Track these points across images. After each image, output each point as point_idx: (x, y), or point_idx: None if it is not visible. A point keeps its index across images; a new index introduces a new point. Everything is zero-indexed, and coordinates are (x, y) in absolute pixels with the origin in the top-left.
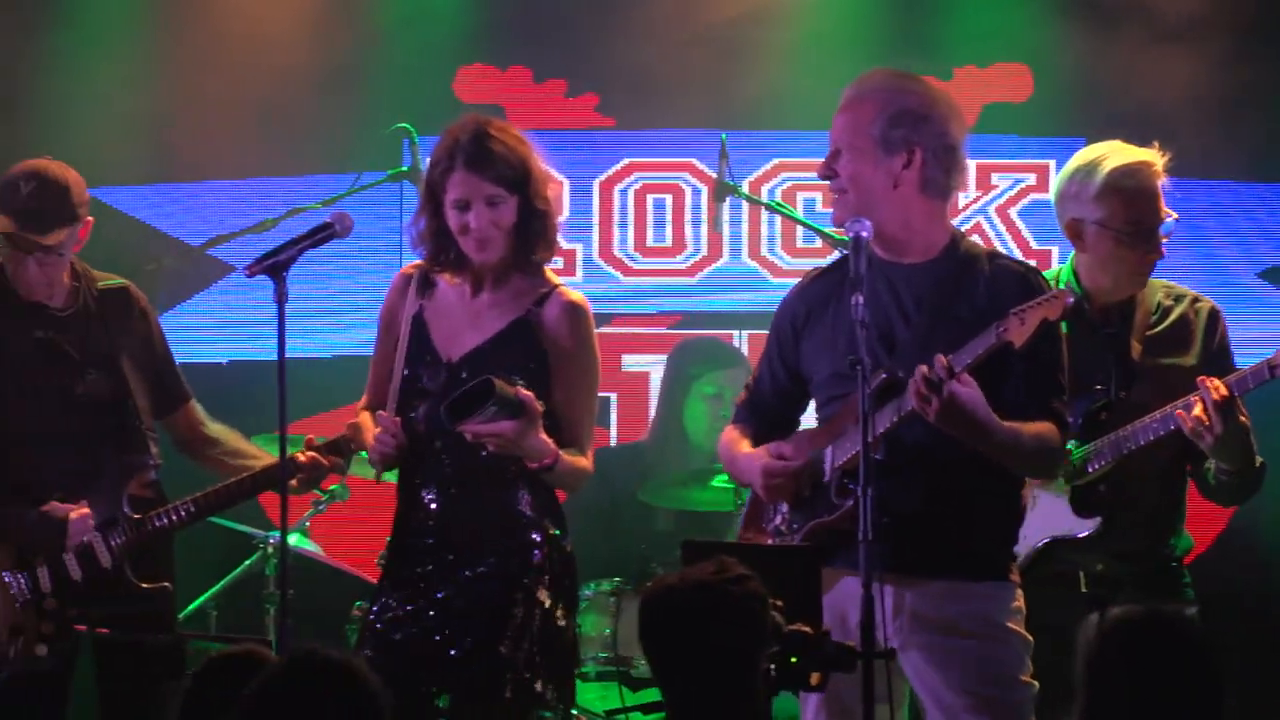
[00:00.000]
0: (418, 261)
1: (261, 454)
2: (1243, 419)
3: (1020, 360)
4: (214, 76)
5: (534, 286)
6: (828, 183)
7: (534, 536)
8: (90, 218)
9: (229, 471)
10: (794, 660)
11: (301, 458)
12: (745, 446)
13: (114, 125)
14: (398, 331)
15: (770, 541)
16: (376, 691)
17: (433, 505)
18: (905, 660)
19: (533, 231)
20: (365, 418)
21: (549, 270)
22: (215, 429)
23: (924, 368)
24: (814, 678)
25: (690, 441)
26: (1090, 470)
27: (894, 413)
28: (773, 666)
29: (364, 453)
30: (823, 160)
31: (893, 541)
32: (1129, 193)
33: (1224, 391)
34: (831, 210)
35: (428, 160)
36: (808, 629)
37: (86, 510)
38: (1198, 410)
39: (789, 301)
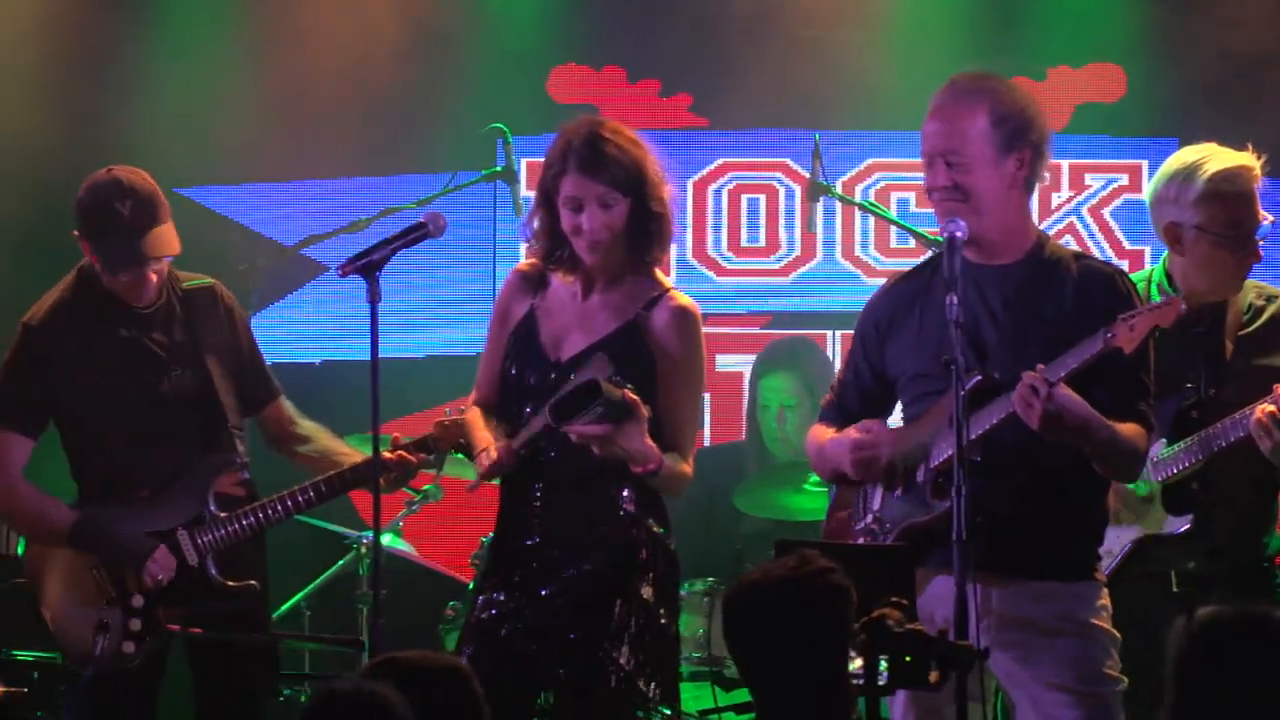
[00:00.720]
0: (533, 259)
1: (352, 451)
2: None
3: (1112, 363)
4: (308, 77)
5: (645, 289)
6: (936, 192)
7: (637, 534)
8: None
9: (320, 469)
10: (909, 659)
11: (390, 456)
12: (829, 433)
13: (207, 126)
14: (509, 328)
15: (860, 542)
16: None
17: (538, 503)
18: (994, 659)
19: (647, 234)
20: (474, 415)
21: (660, 273)
22: (306, 426)
23: (1031, 375)
24: (933, 675)
25: (763, 440)
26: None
27: (993, 416)
28: (887, 664)
29: (458, 453)
30: (931, 169)
31: (984, 540)
32: (1229, 197)
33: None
34: (933, 211)
35: (542, 160)
36: (923, 628)
37: (171, 556)
38: (1258, 413)
39: (873, 304)
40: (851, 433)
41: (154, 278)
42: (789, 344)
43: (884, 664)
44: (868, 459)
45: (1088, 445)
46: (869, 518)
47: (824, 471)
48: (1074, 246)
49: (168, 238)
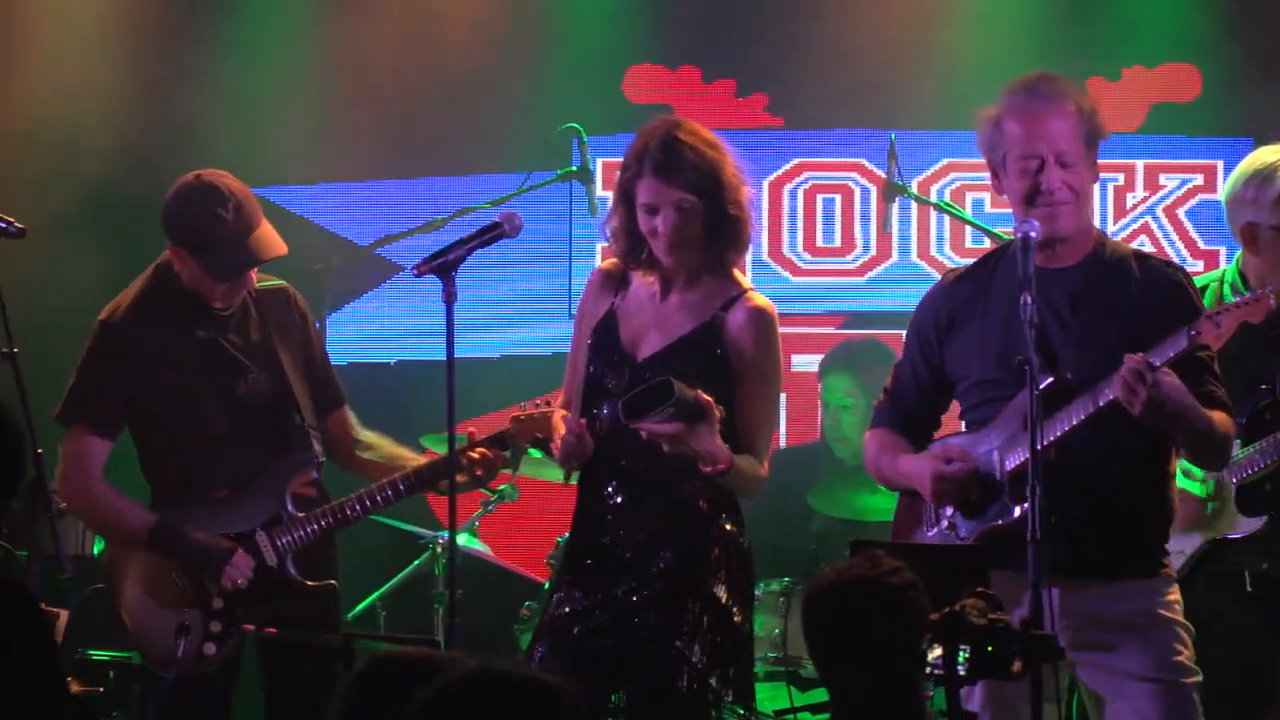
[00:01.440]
0: (614, 260)
1: (415, 457)
2: None
3: (1189, 355)
4: (383, 77)
5: (723, 290)
6: (1039, 197)
7: (710, 532)
8: None
9: (385, 475)
10: (991, 649)
11: (472, 454)
12: (901, 451)
13: (283, 126)
14: (589, 328)
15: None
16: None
17: (612, 502)
18: (1073, 658)
19: (724, 236)
20: (558, 418)
21: (738, 273)
22: (367, 434)
23: (1134, 357)
24: (1016, 665)
25: (826, 440)
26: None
27: (1073, 417)
28: (969, 654)
29: (534, 450)
30: (1045, 172)
31: (1059, 542)
32: None
33: None
34: (1003, 211)
35: (618, 159)
36: (1008, 618)
37: (249, 559)
38: None
39: (930, 302)
40: (930, 459)
41: (252, 277)
42: (851, 344)
43: (964, 654)
44: (949, 489)
45: (1184, 433)
46: (943, 523)
47: (885, 482)
48: (1149, 247)
49: (271, 237)
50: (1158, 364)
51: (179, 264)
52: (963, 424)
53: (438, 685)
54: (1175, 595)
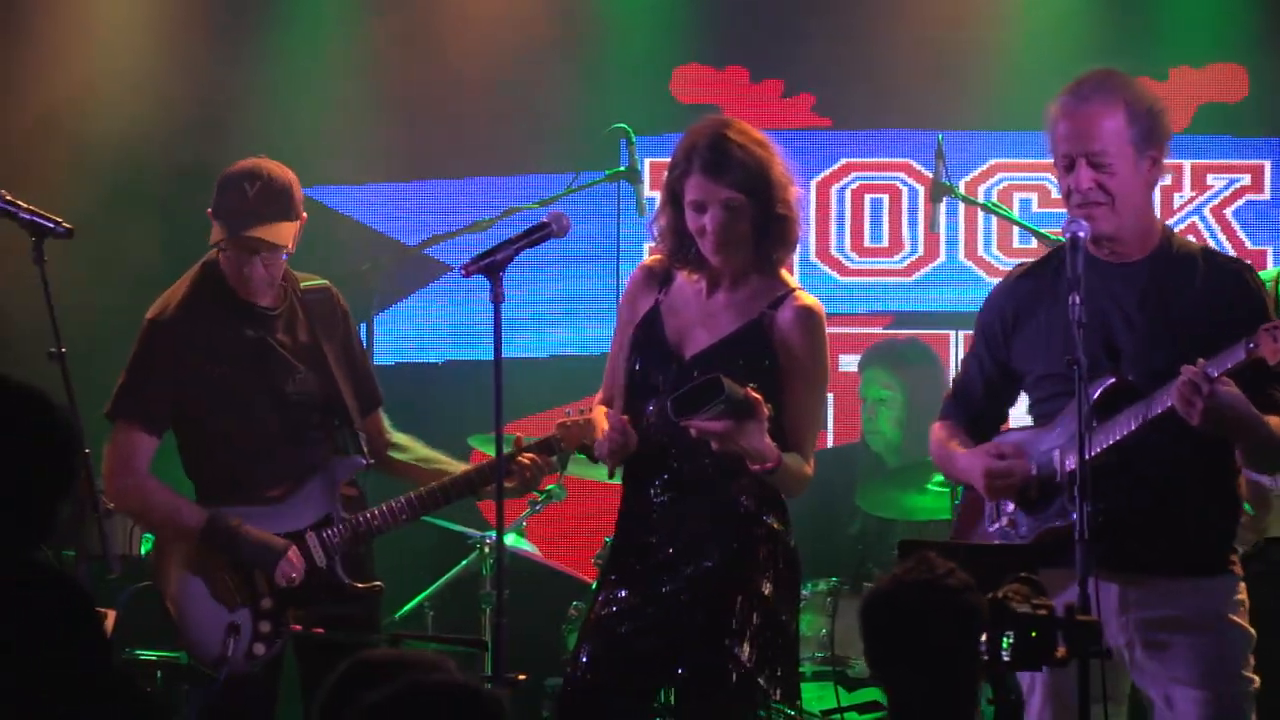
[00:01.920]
0: (658, 256)
1: (450, 460)
2: None
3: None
4: (431, 77)
5: (770, 288)
6: (1075, 194)
7: (757, 531)
8: (304, 214)
9: (419, 476)
10: (1034, 634)
11: (522, 459)
12: (959, 445)
13: (330, 125)
14: (633, 325)
15: (995, 543)
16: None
17: (659, 501)
18: (1131, 658)
19: (771, 235)
20: (599, 413)
21: (785, 272)
22: (399, 436)
23: (1190, 368)
24: (1060, 651)
25: (863, 435)
26: None
27: (1131, 421)
28: (1013, 642)
29: (579, 453)
30: (1078, 171)
31: (1120, 540)
32: None
33: None
34: (1051, 211)
35: (666, 159)
36: (1051, 605)
37: (302, 561)
38: None
39: (996, 298)
40: (983, 455)
41: (262, 270)
42: (893, 341)
43: (1008, 641)
44: (1001, 486)
45: (1244, 440)
46: (1004, 520)
47: (950, 476)
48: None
49: (279, 231)
50: (1215, 374)
51: (221, 259)
52: (1030, 418)
53: (367, 702)
54: (1241, 595)
